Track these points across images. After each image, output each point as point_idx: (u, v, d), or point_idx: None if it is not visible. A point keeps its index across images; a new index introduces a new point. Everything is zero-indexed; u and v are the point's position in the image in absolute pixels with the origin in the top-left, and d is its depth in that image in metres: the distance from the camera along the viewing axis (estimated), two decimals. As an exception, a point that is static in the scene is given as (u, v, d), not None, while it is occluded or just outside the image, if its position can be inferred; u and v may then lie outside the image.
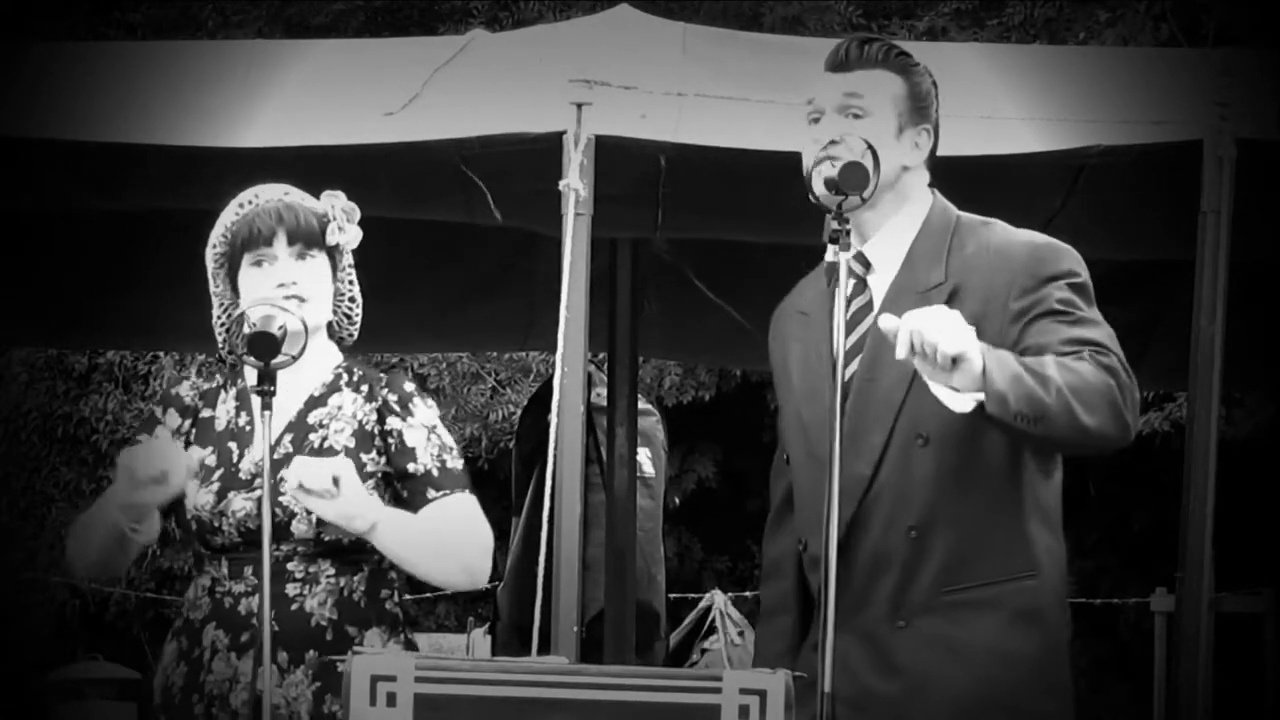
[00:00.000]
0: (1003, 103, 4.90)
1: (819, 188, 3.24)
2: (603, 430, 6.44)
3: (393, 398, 3.67)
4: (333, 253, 3.68)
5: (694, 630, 8.94)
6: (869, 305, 3.41)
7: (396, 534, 3.55)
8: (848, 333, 3.30)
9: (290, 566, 3.58)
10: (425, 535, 3.59)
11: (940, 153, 4.21)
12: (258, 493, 3.52)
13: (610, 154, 4.62)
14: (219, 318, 3.72)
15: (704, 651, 8.87)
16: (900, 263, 3.42)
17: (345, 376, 3.70)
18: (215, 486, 3.62)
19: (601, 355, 6.56)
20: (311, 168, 4.38)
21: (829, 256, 3.23)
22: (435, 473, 3.64)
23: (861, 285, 3.42)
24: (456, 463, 3.69)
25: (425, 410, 3.69)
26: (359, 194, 3.81)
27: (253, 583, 3.53)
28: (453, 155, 4.74)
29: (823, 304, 3.44)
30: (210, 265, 3.70)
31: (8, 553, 13.34)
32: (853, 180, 3.19)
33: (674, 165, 4.79)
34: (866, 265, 3.43)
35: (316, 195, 3.70)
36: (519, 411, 11.80)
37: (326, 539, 3.59)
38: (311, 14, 11.65)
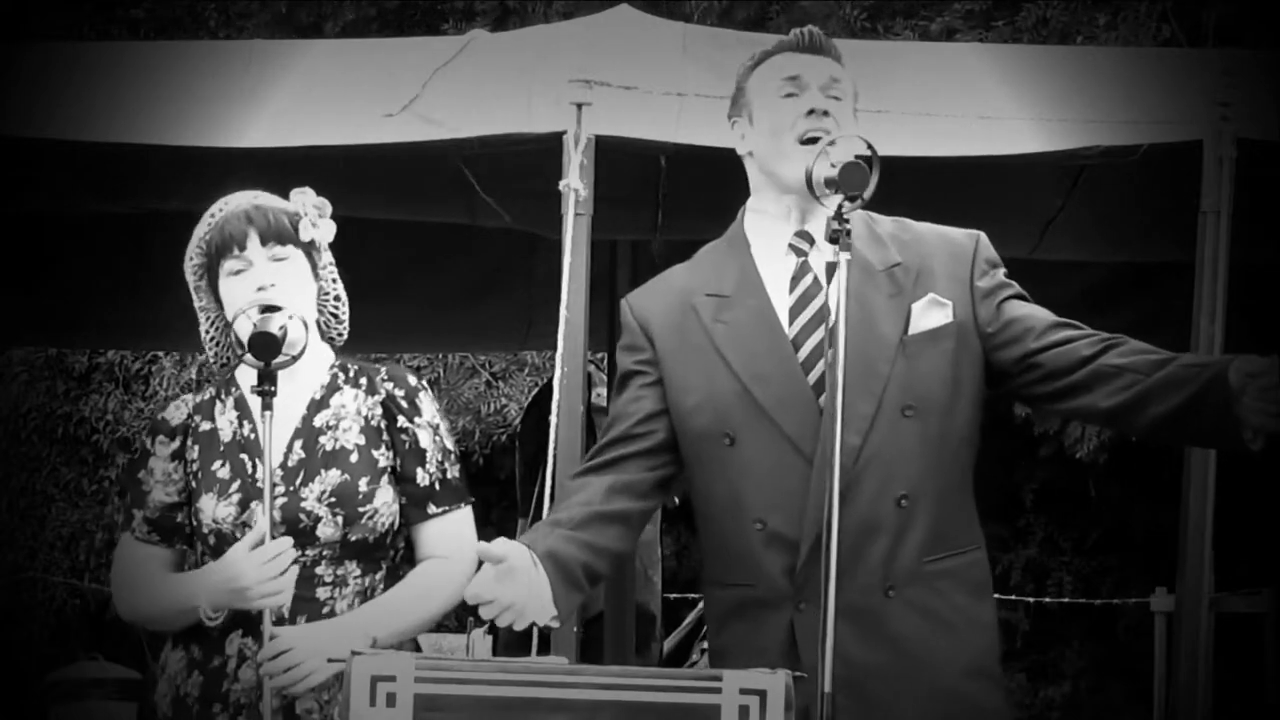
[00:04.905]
0: (1003, 103, 4.90)
1: (820, 188, 3.27)
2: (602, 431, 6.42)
3: (399, 392, 3.64)
4: (309, 251, 3.64)
5: (694, 630, 8.93)
6: (816, 282, 3.48)
7: (396, 622, 3.57)
8: (802, 309, 3.43)
9: (319, 571, 3.56)
10: (420, 598, 3.63)
11: (940, 153, 4.21)
12: (280, 500, 3.53)
13: (610, 154, 4.62)
14: (207, 331, 3.69)
15: (704, 651, 8.85)
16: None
17: (342, 375, 3.67)
18: (236, 498, 3.58)
19: (601, 355, 6.56)
20: (311, 168, 4.38)
21: (829, 256, 3.25)
22: (437, 486, 3.63)
23: (804, 263, 3.50)
24: (455, 469, 3.67)
25: (430, 407, 3.66)
26: (359, 194, 3.80)
27: None
28: (453, 155, 4.73)
29: (748, 287, 3.49)
30: (191, 279, 3.66)
31: (8, 553, 13.33)
32: (853, 180, 3.22)
33: (674, 165, 4.79)
34: (810, 241, 3.50)
35: (320, 196, 3.69)
36: (512, 404, 11.80)
37: (354, 539, 3.57)
38: (320, 17, 11.63)
